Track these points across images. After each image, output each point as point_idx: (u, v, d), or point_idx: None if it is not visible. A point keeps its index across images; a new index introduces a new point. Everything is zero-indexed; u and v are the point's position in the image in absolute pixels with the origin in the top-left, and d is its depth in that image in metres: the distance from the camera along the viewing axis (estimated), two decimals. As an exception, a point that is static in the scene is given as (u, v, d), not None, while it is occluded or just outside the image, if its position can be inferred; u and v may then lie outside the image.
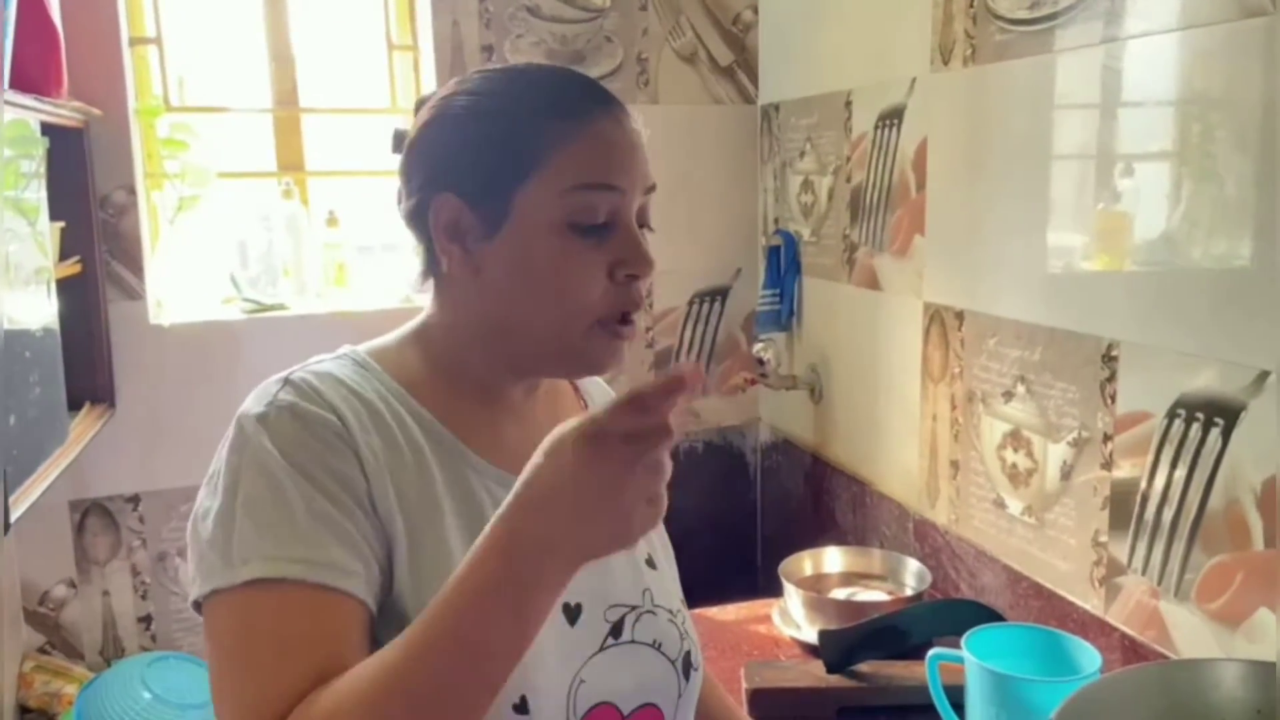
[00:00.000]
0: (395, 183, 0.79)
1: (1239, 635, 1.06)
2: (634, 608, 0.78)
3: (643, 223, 0.75)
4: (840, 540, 1.80)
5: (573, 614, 0.74)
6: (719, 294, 2.21)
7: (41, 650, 1.82)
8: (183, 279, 1.91)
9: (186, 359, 1.85)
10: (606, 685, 0.74)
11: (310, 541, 0.64)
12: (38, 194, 1.49)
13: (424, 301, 0.80)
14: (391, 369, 0.76)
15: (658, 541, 0.88)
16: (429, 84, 2.01)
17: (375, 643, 0.64)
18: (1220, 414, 1.07)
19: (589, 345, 0.73)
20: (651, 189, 0.75)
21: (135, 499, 1.86)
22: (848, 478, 1.87)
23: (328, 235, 1.99)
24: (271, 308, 1.95)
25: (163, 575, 1.89)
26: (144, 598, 1.89)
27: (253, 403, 0.69)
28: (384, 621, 0.67)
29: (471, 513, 0.72)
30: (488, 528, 0.60)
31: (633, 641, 0.76)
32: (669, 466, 0.59)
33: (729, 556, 2.26)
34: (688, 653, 0.81)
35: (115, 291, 1.80)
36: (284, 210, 1.96)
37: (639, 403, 0.57)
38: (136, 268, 1.82)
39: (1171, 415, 1.13)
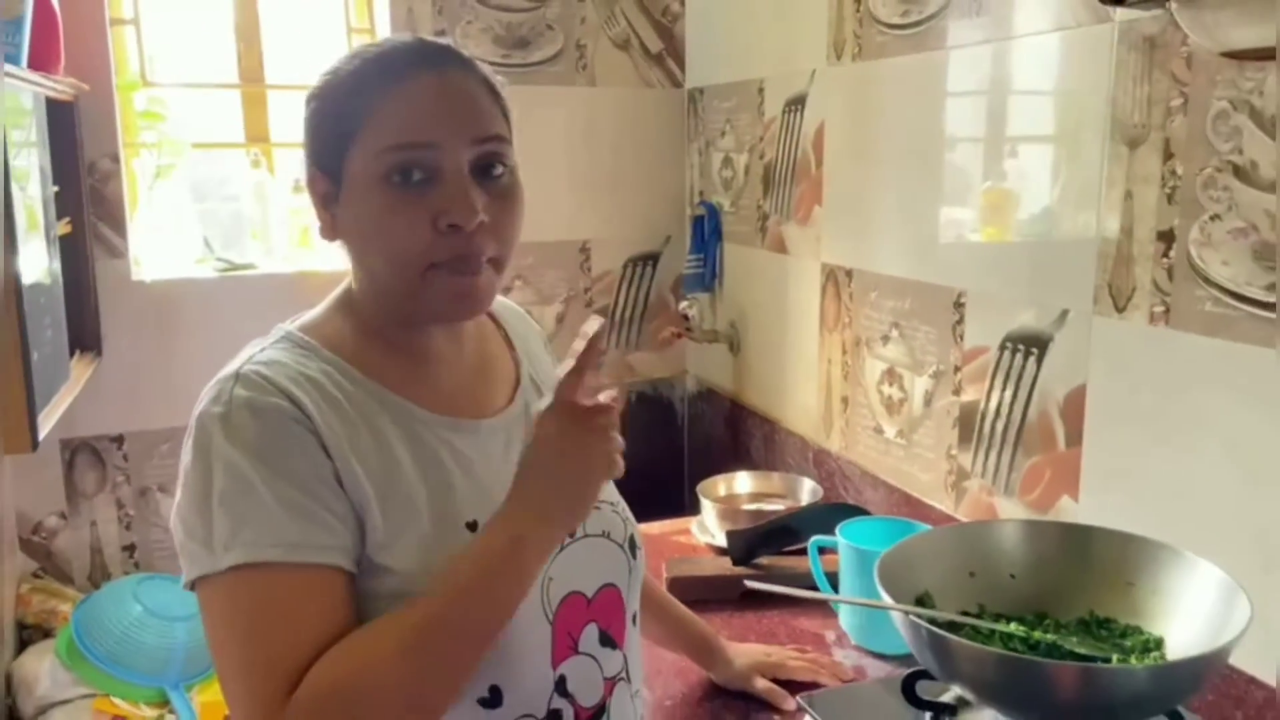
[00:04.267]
0: None
1: (1049, 518, 1.35)
2: None
3: (487, 172, 0.79)
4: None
5: None
6: (650, 259, 2.46)
7: (35, 575, 2.01)
8: (160, 239, 2.10)
9: (165, 312, 2.04)
10: (571, 577, 0.85)
11: (282, 526, 0.71)
12: (28, 161, 1.67)
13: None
14: (328, 343, 0.81)
15: None
16: (386, 64, 2.20)
17: (359, 593, 0.75)
18: (1035, 345, 1.35)
19: (429, 290, 0.78)
20: (489, 139, 0.78)
21: (120, 439, 2.05)
22: (760, 418, 2.14)
23: (293, 201, 2.19)
24: (241, 267, 2.14)
25: (145, 508, 2.09)
26: (128, 528, 2.08)
27: (210, 403, 0.74)
28: (365, 573, 0.75)
29: (429, 461, 0.80)
30: (502, 504, 0.75)
31: (586, 535, 0.87)
32: (620, 440, 0.77)
33: (659, 495, 2.51)
34: (631, 536, 0.92)
35: (100, 250, 1.98)
36: (252, 178, 2.16)
37: (575, 369, 0.75)
38: (120, 228, 2.00)
39: (1002, 348, 1.42)
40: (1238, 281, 1.07)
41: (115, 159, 1.98)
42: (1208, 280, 1.11)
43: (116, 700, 1.79)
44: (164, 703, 1.82)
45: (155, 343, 2.04)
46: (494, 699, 0.79)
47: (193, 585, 0.74)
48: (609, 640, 0.88)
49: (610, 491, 0.95)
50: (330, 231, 0.82)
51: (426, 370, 0.84)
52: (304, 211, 2.19)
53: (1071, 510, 1.31)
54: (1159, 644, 0.98)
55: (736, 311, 2.24)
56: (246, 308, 2.03)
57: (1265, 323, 1.05)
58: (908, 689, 1.02)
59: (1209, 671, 0.87)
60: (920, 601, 1.05)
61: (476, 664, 0.73)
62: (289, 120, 2.24)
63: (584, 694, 0.85)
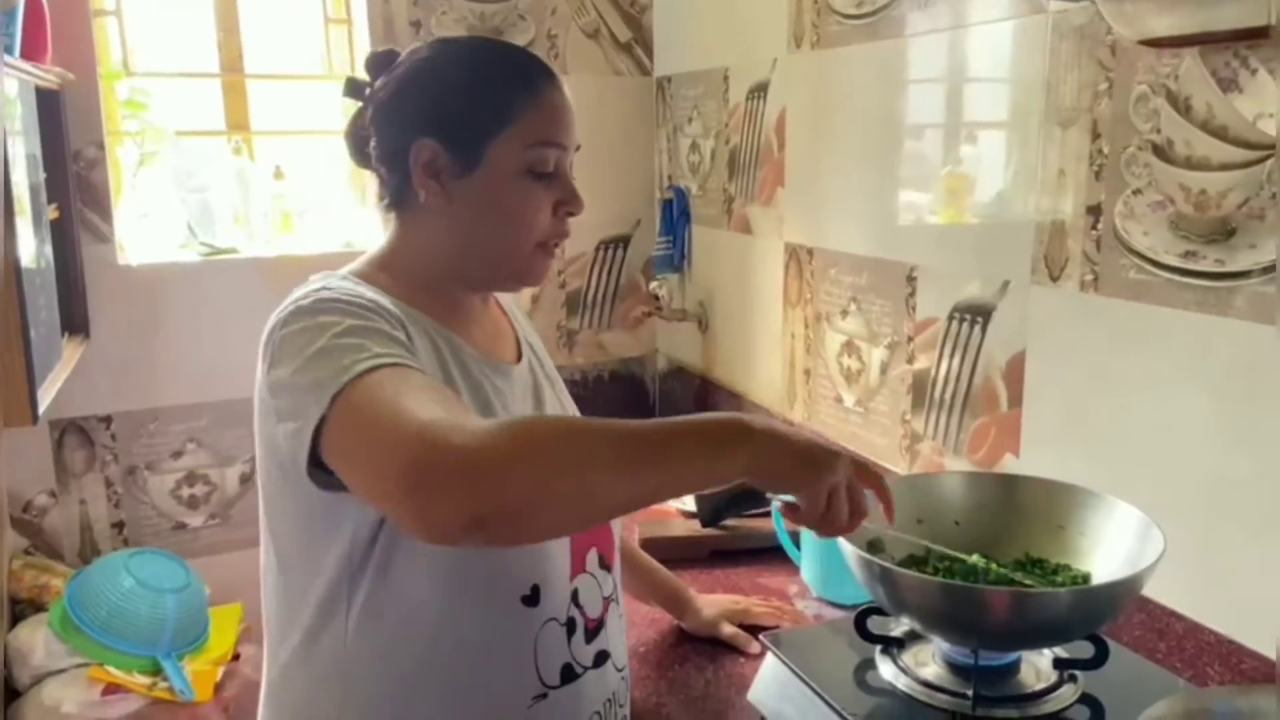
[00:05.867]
0: (357, 128, 0.97)
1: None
2: None
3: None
4: (722, 445, 2.16)
5: None
6: (621, 241, 2.54)
7: (26, 552, 2.06)
8: (145, 225, 2.15)
9: (150, 296, 2.10)
10: None
11: (398, 348, 0.80)
12: (14, 149, 1.72)
13: (362, 246, 1.03)
14: (378, 286, 0.91)
15: (570, 400, 1.14)
16: (362, 54, 2.27)
17: None
18: (980, 314, 1.46)
19: (531, 264, 0.96)
20: (578, 147, 0.98)
21: (108, 419, 2.11)
22: (728, 393, 2.24)
23: (275, 187, 2.25)
24: (224, 251, 2.20)
25: (133, 486, 2.15)
26: (116, 506, 2.14)
27: (303, 296, 0.83)
28: None
29: (476, 390, 0.93)
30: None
31: None
32: (847, 518, 0.84)
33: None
34: None
35: (87, 235, 2.03)
36: (234, 165, 2.21)
37: (878, 479, 0.88)
38: (105, 214, 2.05)
39: (951, 318, 1.51)
40: (1156, 250, 1.18)
41: (100, 146, 2.03)
42: (1130, 250, 1.21)
43: (110, 669, 1.85)
44: (157, 671, 1.89)
45: (141, 325, 2.09)
46: (534, 597, 0.91)
47: (318, 430, 0.75)
48: (604, 563, 1.01)
49: None
50: (438, 200, 0.92)
51: (462, 325, 0.97)
52: (285, 196, 2.25)
53: (1014, 466, 1.41)
54: (1086, 579, 1.08)
55: (704, 291, 2.33)
56: (230, 290, 2.09)
57: (1181, 287, 1.15)
58: (860, 625, 1.12)
59: (1124, 596, 0.98)
60: (872, 546, 1.15)
61: (636, 491, 0.74)
62: (269, 109, 2.30)
63: (590, 607, 0.97)
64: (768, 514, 1.64)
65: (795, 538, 1.52)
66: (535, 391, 1.04)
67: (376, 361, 0.75)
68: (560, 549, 0.94)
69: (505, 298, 1.13)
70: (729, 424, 0.78)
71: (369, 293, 0.87)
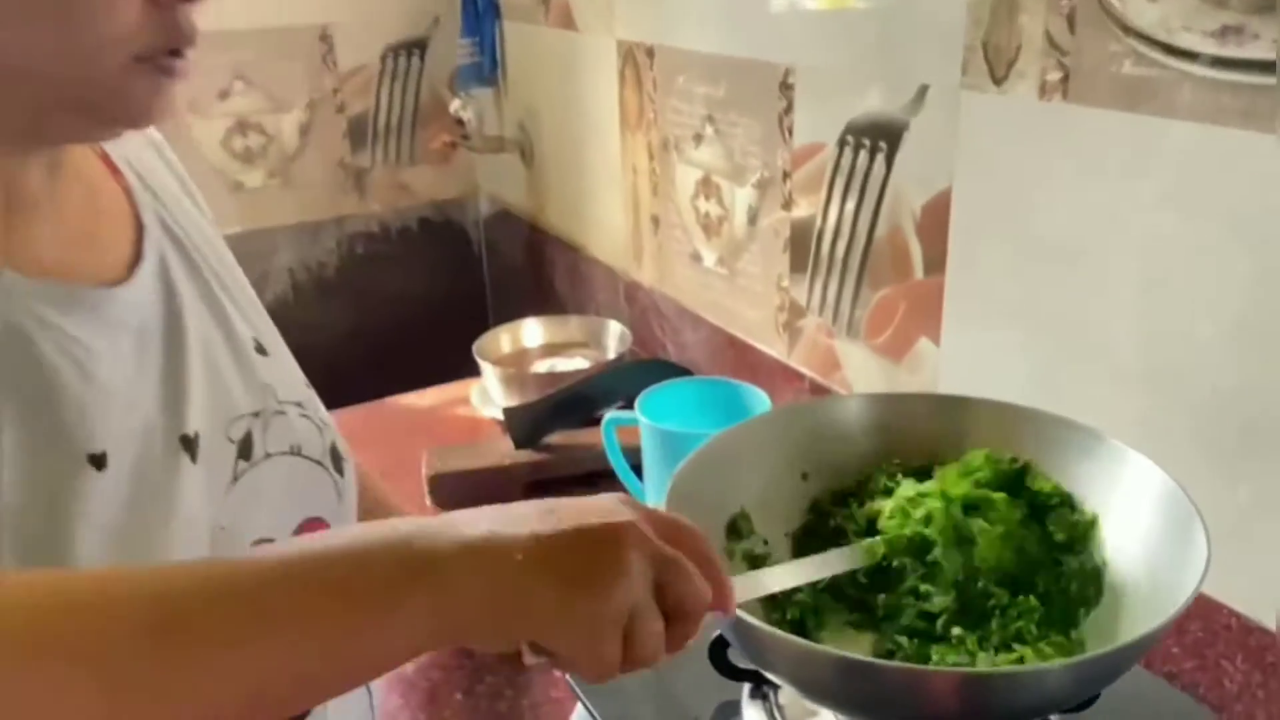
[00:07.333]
0: None
1: (902, 368, 1.04)
2: (257, 413, 0.62)
3: None
4: (560, 312, 1.70)
5: (192, 446, 0.57)
6: (416, 46, 1.95)
7: None
8: None
9: None
10: (253, 520, 0.60)
11: None
12: None
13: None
14: None
15: (260, 322, 0.70)
16: None
17: None
18: (884, 137, 0.99)
19: (128, 86, 0.51)
20: None
21: None
22: (563, 245, 1.75)
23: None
24: None
25: None
26: None
27: None
28: None
29: (19, 356, 0.50)
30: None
31: (267, 456, 0.62)
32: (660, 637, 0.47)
33: (461, 339, 2.13)
34: (332, 445, 0.67)
35: None
36: None
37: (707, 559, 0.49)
38: None
39: (842, 144, 1.05)
40: (1171, 27, 0.72)
41: None
42: (1126, 28, 0.75)
43: None
44: None
45: None
46: None
47: None
48: None
49: (293, 386, 0.67)
50: None
51: (12, 218, 0.52)
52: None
53: (932, 356, 1.00)
54: (1093, 524, 0.69)
55: (525, 110, 1.80)
56: None
57: (1211, 87, 0.71)
58: (716, 657, 0.71)
59: (1144, 652, 0.58)
60: (734, 528, 0.73)
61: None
62: None
63: None
64: (597, 422, 1.20)
65: (634, 458, 1.09)
66: (168, 324, 0.59)
67: None
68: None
69: (132, 144, 0.65)
70: (377, 537, 0.44)
71: None
